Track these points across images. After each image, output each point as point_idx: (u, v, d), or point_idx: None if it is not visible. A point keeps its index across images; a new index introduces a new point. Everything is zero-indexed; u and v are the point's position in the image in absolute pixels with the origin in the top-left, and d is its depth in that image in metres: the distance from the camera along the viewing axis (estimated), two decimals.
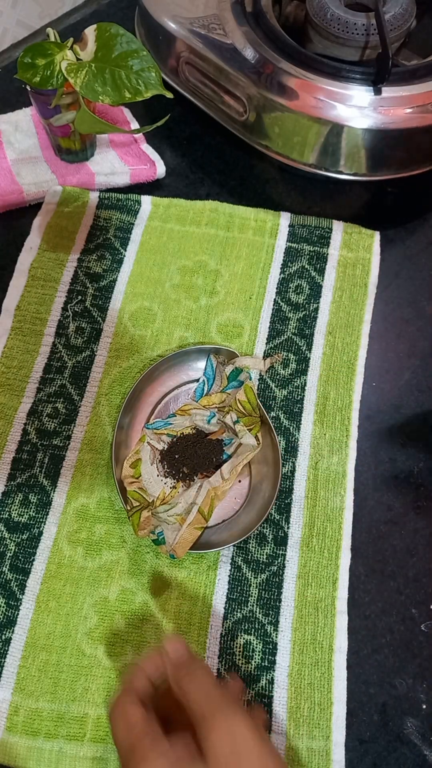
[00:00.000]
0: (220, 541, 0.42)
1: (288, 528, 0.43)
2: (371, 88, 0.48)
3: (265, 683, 0.39)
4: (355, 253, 0.53)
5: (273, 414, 0.47)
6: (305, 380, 0.48)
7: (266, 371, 0.48)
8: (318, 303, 0.51)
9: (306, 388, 0.48)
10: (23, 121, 0.58)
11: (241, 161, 0.59)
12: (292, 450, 0.45)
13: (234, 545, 0.42)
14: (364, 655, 0.40)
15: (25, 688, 0.38)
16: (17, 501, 0.43)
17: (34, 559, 0.42)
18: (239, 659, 0.40)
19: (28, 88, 0.48)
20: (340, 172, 0.52)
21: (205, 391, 0.47)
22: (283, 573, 0.42)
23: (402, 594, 0.42)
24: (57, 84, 0.46)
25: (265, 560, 0.42)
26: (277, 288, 0.51)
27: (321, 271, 0.52)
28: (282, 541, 0.43)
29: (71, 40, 0.47)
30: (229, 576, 0.42)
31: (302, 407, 0.47)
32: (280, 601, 0.41)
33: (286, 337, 0.50)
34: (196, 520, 0.41)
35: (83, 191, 0.55)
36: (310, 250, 0.53)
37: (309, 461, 0.45)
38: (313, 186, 0.57)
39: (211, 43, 0.52)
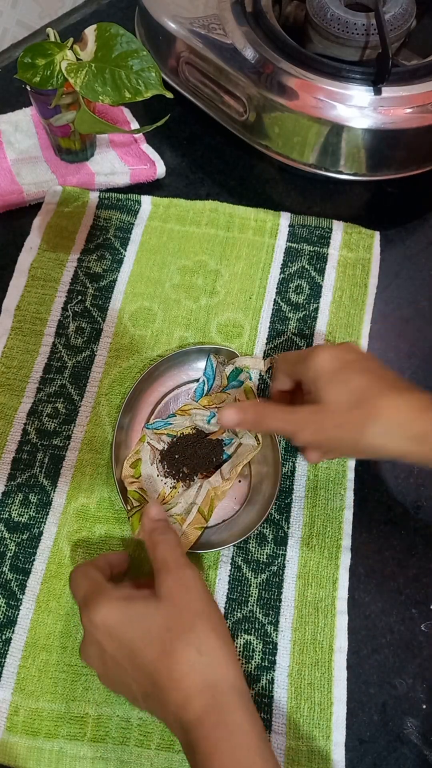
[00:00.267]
0: (220, 541, 0.42)
1: (288, 528, 0.43)
2: (371, 88, 0.48)
3: (266, 683, 0.39)
4: (355, 253, 0.53)
5: None
6: None
7: (266, 371, 0.48)
8: (318, 303, 0.51)
9: None
10: (23, 121, 0.58)
11: (241, 161, 0.59)
12: (292, 450, 0.45)
13: (234, 545, 0.42)
14: (364, 655, 0.40)
15: (25, 688, 0.38)
16: (17, 501, 0.43)
17: (34, 559, 0.42)
18: (239, 659, 0.40)
19: (28, 88, 0.48)
20: (340, 172, 0.52)
21: (205, 391, 0.47)
22: (283, 573, 0.42)
23: (402, 594, 0.42)
24: (57, 84, 0.46)
25: (265, 560, 0.42)
26: (277, 288, 0.51)
27: (321, 271, 0.52)
28: (282, 541, 0.43)
29: (71, 40, 0.47)
30: (229, 576, 0.42)
31: None
32: (280, 601, 0.41)
33: (286, 337, 0.50)
34: (196, 520, 0.41)
35: (83, 191, 0.55)
36: (310, 250, 0.53)
37: None
38: (313, 186, 0.57)
39: (211, 43, 0.52)
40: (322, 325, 0.50)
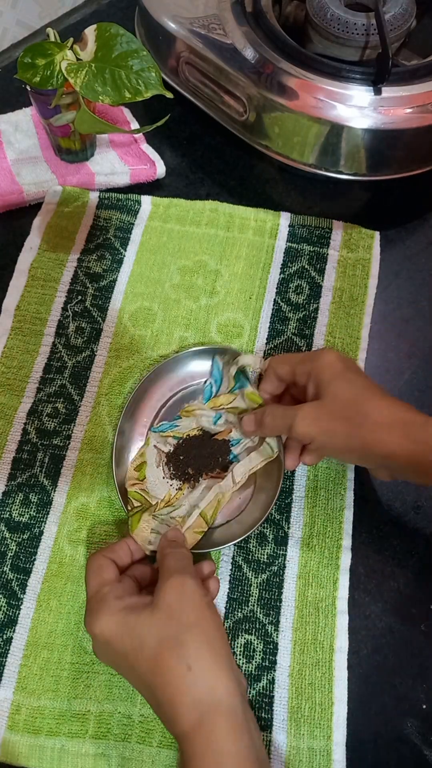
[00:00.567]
0: (221, 540, 0.42)
1: (288, 528, 0.43)
2: (371, 88, 0.48)
3: (266, 683, 0.39)
4: (355, 254, 0.53)
5: None
6: None
7: (264, 371, 0.48)
8: (318, 303, 0.51)
9: None
10: (23, 121, 0.58)
11: (241, 161, 0.59)
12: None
13: (234, 544, 0.42)
14: (365, 655, 0.40)
15: (26, 687, 0.39)
16: (18, 501, 0.43)
17: (35, 559, 0.42)
18: (240, 659, 0.40)
19: (28, 88, 0.48)
20: (340, 172, 0.52)
21: (213, 393, 0.47)
22: (283, 573, 0.42)
23: (402, 594, 0.42)
24: (57, 84, 0.46)
25: (265, 560, 0.42)
26: (277, 288, 0.52)
27: (321, 272, 0.52)
28: (282, 541, 0.43)
29: (71, 40, 0.47)
30: (229, 576, 0.42)
31: None
32: (280, 601, 0.41)
33: (286, 337, 0.50)
34: (197, 524, 0.41)
35: (83, 191, 0.55)
36: (310, 250, 0.53)
37: None
38: (313, 186, 0.57)
39: (211, 43, 0.52)
40: (322, 325, 0.50)
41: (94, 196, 0.54)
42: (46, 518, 0.43)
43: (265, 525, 0.43)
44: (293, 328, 0.50)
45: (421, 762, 0.38)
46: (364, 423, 0.36)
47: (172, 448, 0.45)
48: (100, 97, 0.45)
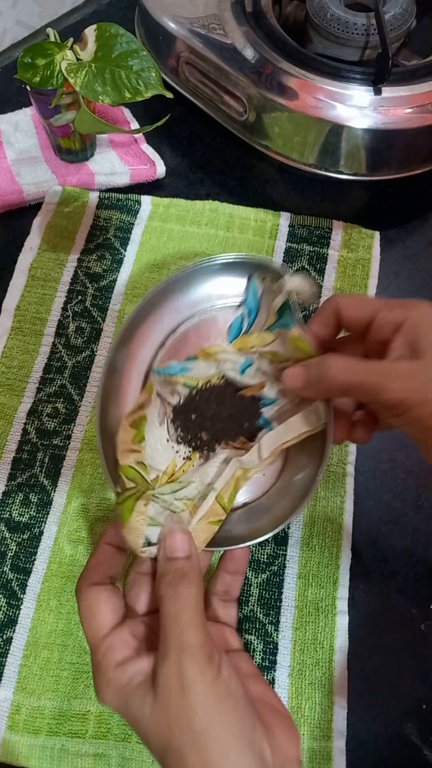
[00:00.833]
0: (238, 535, 0.32)
1: (288, 528, 0.43)
2: (371, 88, 0.48)
3: None
4: (355, 254, 0.53)
5: None
6: None
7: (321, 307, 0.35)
8: (318, 304, 0.51)
9: None
10: (23, 121, 0.58)
11: (241, 161, 0.59)
12: None
13: (261, 541, 0.32)
14: (365, 655, 0.40)
15: (26, 687, 0.39)
16: (18, 501, 0.43)
17: (35, 559, 0.42)
18: None
19: (28, 88, 0.48)
20: (340, 172, 0.52)
21: (244, 329, 0.35)
22: (283, 573, 0.42)
23: (402, 594, 0.42)
24: (57, 84, 0.46)
25: (265, 560, 0.42)
26: None
27: (321, 272, 0.52)
28: (282, 541, 0.43)
29: (71, 40, 0.47)
30: None
31: None
32: (280, 601, 0.41)
33: None
34: (213, 511, 0.31)
35: (83, 191, 0.55)
36: (310, 250, 0.53)
37: None
38: (313, 186, 0.57)
39: (211, 43, 0.52)
40: None
41: (94, 196, 0.55)
42: (46, 518, 0.43)
43: None
44: None
45: (421, 762, 0.38)
46: None
47: (181, 400, 0.34)
48: (100, 97, 0.45)
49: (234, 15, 0.53)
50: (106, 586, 0.31)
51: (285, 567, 0.42)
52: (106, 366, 0.33)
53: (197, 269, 0.35)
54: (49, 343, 0.49)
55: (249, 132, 0.53)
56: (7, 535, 0.42)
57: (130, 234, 0.53)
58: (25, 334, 0.49)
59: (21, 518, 0.43)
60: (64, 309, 0.50)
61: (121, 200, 0.55)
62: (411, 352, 0.29)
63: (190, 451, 0.34)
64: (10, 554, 0.42)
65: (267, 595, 0.41)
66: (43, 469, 0.44)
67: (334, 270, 0.52)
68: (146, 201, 0.55)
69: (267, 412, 0.34)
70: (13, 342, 0.48)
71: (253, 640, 0.40)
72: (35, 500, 0.44)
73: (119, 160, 0.56)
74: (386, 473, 0.46)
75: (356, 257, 0.53)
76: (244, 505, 0.34)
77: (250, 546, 0.31)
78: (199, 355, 0.34)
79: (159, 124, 0.49)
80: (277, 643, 0.40)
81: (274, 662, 0.39)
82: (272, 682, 0.39)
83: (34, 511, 0.43)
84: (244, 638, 0.40)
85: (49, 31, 0.47)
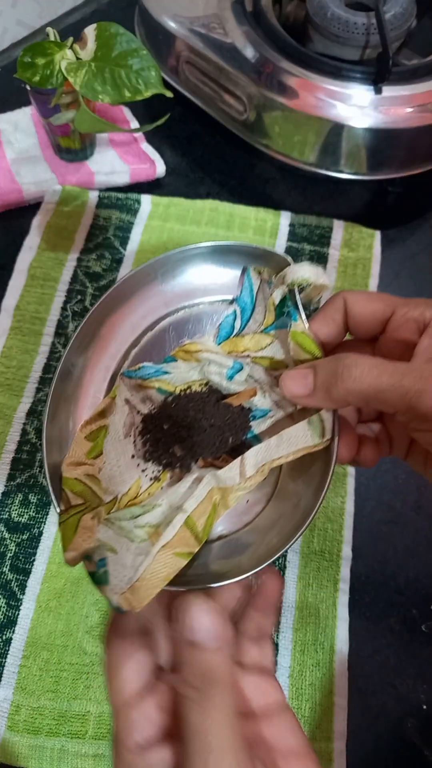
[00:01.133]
0: (215, 573, 0.26)
1: None
2: (371, 87, 0.48)
3: None
4: (355, 253, 0.53)
5: None
6: None
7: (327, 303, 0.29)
8: (318, 304, 0.51)
9: None
10: (23, 121, 0.58)
11: (241, 161, 0.59)
12: None
13: (247, 577, 0.25)
14: (365, 655, 0.40)
15: (26, 687, 0.39)
16: (17, 501, 0.43)
17: (34, 559, 0.42)
18: None
19: (28, 87, 0.48)
20: (341, 172, 0.52)
21: (236, 329, 0.29)
22: (283, 574, 0.42)
23: (402, 594, 0.42)
24: (57, 83, 0.46)
25: None
26: None
27: None
28: None
29: (71, 39, 0.47)
30: None
31: None
32: (280, 602, 0.41)
33: None
34: (179, 540, 0.23)
35: (83, 190, 0.54)
36: (311, 249, 0.53)
37: None
38: (314, 185, 0.57)
39: (211, 42, 0.52)
40: None
41: (93, 196, 0.54)
42: (46, 519, 0.43)
43: None
44: None
45: (421, 762, 0.38)
46: None
47: (155, 409, 0.28)
48: (100, 96, 0.45)
49: (234, 14, 0.53)
50: (133, 639, 0.25)
51: (285, 568, 0.42)
52: (61, 363, 0.28)
53: (185, 253, 0.29)
54: (49, 343, 0.48)
55: (249, 131, 0.53)
56: (6, 536, 0.42)
57: (130, 233, 0.53)
58: (25, 333, 0.49)
59: (20, 519, 0.43)
60: (64, 309, 0.50)
61: (120, 199, 0.54)
62: None
63: (159, 470, 0.27)
64: (9, 555, 0.42)
65: None
66: (43, 470, 0.44)
67: (334, 269, 0.52)
68: (146, 200, 0.55)
69: (257, 425, 0.28)
70: (12, 342, 0.48)
71: None
72: (35, 500, 0.43)
73: (119, 160, 0.56)
74: (386, 473, 0.45)
75: (357, 256, 0.53)
76: (220, 537, 0.28)
77: (252, 581, 0.25)
78: (180, 354, 0.29)
79: (159, 123, 0.49)
80: (277, 644, 0.40)
81: (275, 663, 0.39)
82: None
83: (33, 511, 0.43)
84: None
85: (49, 30, 0.47)
